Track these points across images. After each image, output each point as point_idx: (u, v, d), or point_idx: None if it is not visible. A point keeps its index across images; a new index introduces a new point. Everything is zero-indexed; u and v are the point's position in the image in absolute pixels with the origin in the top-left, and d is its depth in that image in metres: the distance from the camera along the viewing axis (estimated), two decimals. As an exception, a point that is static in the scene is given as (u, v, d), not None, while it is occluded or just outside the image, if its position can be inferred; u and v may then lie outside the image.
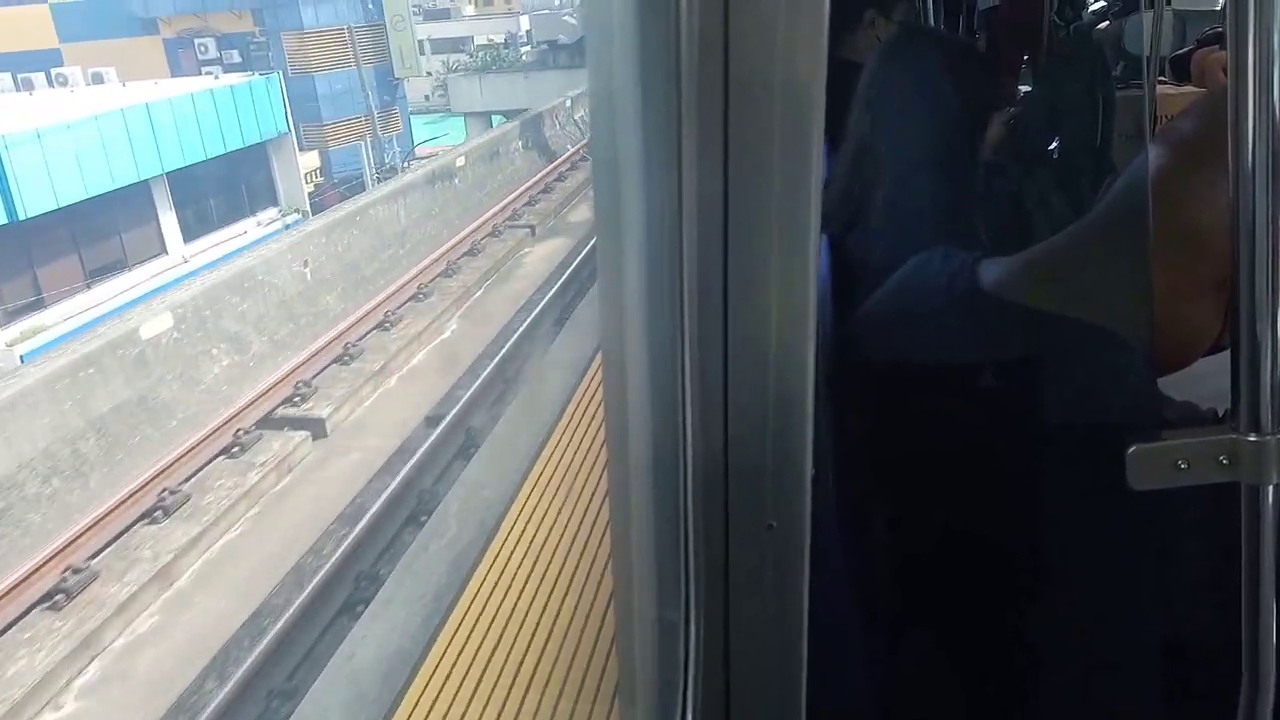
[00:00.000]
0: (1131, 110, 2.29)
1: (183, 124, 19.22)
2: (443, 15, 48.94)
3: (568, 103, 27.07)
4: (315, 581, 8.29)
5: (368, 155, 27.16)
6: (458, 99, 32.73)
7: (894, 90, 1.58)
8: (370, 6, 28.96)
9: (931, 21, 3.47)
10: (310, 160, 26.75)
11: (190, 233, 20.00)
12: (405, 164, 27.60)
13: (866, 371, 1.14)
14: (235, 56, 27.82)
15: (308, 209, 22.61)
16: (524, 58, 35.89)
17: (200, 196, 20.48)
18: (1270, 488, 0.76)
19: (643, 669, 0.78)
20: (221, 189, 21.25)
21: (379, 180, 24.80)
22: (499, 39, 39.93)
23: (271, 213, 22.34)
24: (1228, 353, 0.78)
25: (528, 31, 40.31)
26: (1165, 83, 3.01)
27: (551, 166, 23.07)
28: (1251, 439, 0.76)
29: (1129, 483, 0.80)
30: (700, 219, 0.66)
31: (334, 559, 8.60)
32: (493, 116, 31.00)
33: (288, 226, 20.15)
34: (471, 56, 37.06)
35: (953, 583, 1.09)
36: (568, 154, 24.33)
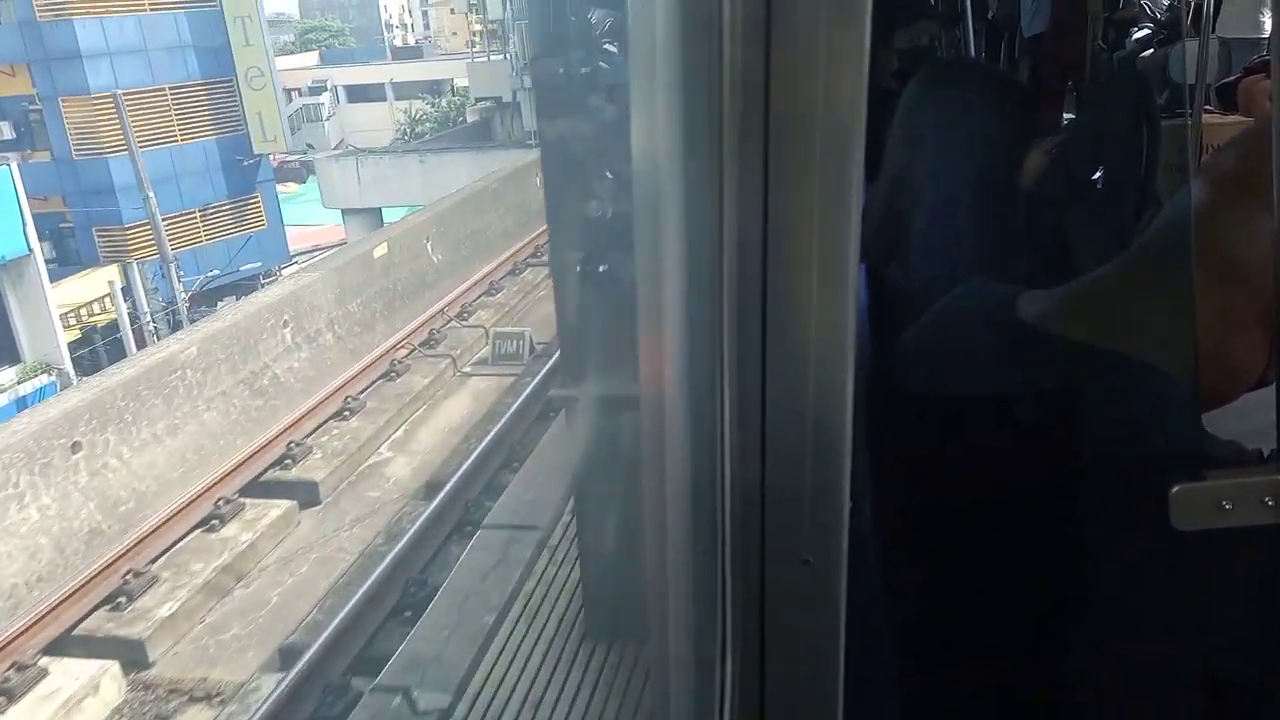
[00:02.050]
0: (1176, 140, 2.26)
1: None
2: (414, 54, 39.86)
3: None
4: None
5: (124, 290, 17.50)
6: (330, 190, 22.36)
7: (935, 121, 1.57)
8: (202, 59, 20.80)
9: (974, 50, 3.46)
10: (106, 279, 18.28)
11: None
12: (266, 277, 19.00)
13: (905, 404, 1.13)
14: (7, 131, 19.79)
15: (66, 365, 15.25)
16: (466, 120, 26.74)
17: None
18: None
19: (677, 705, 0.78)
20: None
21: (152, 331, 16.74)
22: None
23: (6, 375, 14.75)
24: (1272, 388, 0.77)
25: (463, 84, 29.62)
26: (1211, 111, 2.96)
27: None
28: None
29: (1172, 522, 0.79)
30: (740, 251, 0.67)
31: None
32: (384, 211, 21.73)
33: (24, 400, 13.39)
34: (433, 106, 29.01)
35: (991, 620, 1.08)
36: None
